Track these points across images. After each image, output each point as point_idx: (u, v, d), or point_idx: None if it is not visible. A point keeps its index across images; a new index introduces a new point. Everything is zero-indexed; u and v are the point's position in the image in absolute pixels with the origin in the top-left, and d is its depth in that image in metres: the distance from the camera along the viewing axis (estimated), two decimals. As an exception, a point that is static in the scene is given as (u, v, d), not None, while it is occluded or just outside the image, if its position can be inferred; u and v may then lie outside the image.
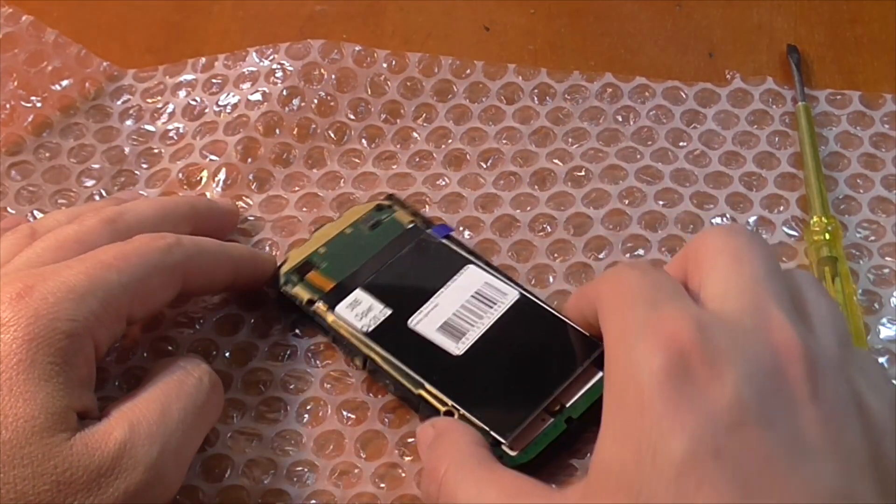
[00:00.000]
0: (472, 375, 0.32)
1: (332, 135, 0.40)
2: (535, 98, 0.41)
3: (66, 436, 0.26)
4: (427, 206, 0.38)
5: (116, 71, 0.42)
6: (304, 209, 0.38)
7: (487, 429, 0.30)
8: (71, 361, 0.27)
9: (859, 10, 0.44)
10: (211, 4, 0.45)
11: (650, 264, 0.33)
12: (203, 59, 0.42)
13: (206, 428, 0.30)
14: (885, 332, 0.34)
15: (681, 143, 0.40)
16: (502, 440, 0.30)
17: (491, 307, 0.33)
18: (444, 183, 0.39)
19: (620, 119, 0.40)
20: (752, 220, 0.37)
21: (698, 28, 0.44)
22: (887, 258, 0.36)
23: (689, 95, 0.41)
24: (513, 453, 0.30)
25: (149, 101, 0.42)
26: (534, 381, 0.31)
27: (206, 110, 0.41)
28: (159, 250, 0.30)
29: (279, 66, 0.42)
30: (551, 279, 0.36)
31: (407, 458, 0.32)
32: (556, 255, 0.37)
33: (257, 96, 0.41)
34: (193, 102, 0.41)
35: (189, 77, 0.42)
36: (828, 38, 0.43)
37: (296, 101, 0.41)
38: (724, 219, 0.37)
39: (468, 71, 0.42)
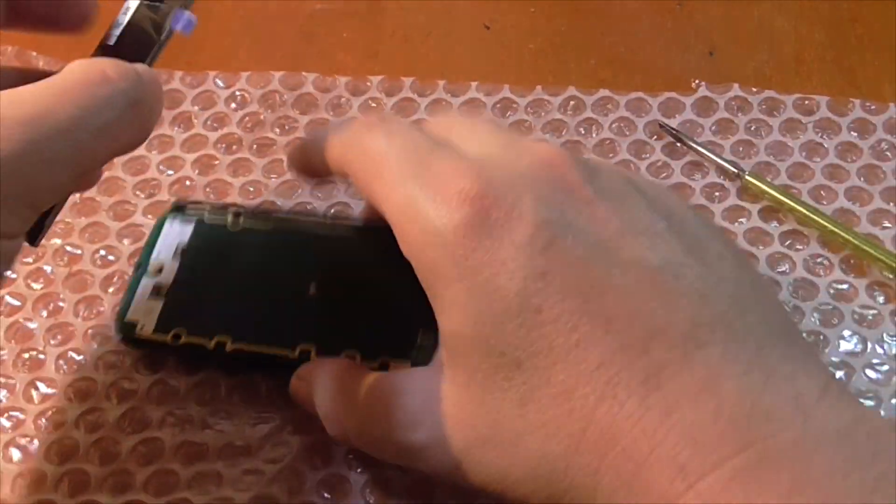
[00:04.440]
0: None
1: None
2: (498, 111, 0.41)
3: None
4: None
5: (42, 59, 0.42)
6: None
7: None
8: None
9: (860, 9, 0.44)
10: (211, 4, 0.45)
11: (384, 117, 0.31)
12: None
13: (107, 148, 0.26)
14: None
15: (644, 156, 0.39)
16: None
17: None
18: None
19: (583, 131, 0.40)
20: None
21: (699, 27, 0.44)
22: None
23: (654, 106, 0.40)
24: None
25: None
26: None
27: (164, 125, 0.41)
28: None
29: (240, 93, 0.42)
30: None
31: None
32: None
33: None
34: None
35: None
36: (828, 37, 0.43)
37: (254, 126, 0.41)
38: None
39: (429, 91, 0.41)
